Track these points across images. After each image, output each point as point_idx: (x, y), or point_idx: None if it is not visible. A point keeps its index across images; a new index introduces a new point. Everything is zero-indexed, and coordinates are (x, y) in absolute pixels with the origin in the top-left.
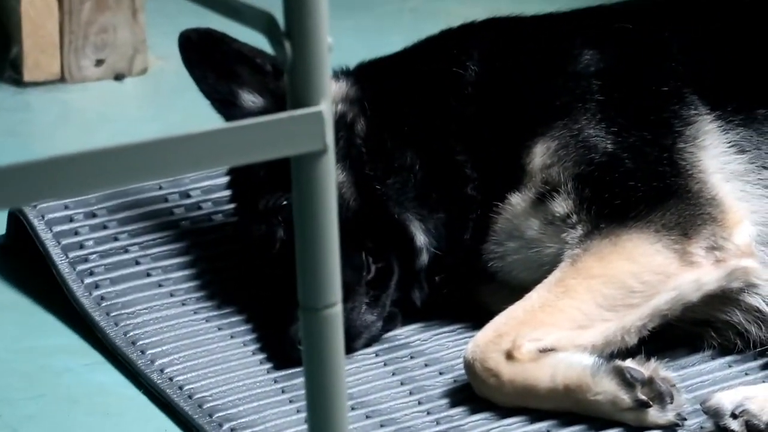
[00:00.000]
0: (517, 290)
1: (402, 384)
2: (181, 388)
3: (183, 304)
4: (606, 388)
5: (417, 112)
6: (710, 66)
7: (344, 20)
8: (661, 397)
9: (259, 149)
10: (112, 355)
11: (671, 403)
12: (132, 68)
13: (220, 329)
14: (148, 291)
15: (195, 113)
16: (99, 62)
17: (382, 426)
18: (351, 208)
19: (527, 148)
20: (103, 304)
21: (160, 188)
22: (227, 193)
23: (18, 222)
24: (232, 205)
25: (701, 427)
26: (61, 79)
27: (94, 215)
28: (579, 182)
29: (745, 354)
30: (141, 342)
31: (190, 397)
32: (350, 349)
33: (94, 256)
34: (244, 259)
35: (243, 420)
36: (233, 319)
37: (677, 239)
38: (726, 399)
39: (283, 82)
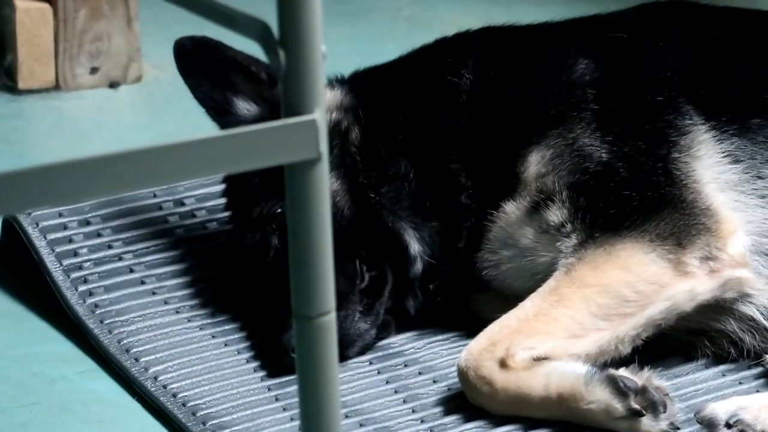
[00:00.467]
0: (511, 299)
1: (396, 392)
2: (174, 395)
3: (177, 312)
4: (599, 397)
5: (411, 121)
6: (705, 76)
7: (338, 28)
8: (654, 406)
9: (254, 157)
10: (106, 362)
11: (664, 412)
12: (126, 76)
13: (214, 337)
14: (142, 299)
15: (189, 121)
16: (93, 70)
17: None
18: (345, 216)
19: (522, 156)
20: (97, 312)
21: (155, 196)
22: (222, 201)
23: (12, 229)
24: (226, 213)
25: None
26: (56, 87)
27: (88, 223)
28: (574, 191)
29: (739, 363)
30: (135, 350)
31: (183, 404)
32: (344, 357)
33: (89, 263)
34: (239, 267)
35: (237, 428)
36: (227, 326)
37: (671, 249)
38: (720, 409)
39: (277, 90)
